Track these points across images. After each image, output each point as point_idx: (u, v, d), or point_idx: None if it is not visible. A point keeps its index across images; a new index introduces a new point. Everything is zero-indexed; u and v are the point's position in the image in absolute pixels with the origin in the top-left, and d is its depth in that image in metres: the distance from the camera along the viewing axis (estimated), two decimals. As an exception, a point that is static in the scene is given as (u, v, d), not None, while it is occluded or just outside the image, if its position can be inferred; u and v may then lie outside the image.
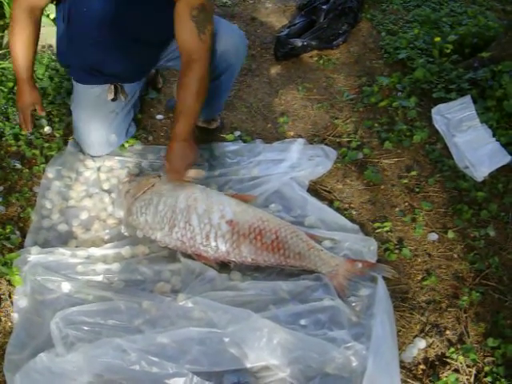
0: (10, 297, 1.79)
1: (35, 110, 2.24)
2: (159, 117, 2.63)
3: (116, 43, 2.06)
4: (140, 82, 2.37)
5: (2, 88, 2.61)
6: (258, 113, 2.72)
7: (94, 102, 2.22)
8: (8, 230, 1.98)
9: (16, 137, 2.38)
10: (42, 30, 3.15)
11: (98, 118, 2.23)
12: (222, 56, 2.14)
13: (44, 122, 2.46)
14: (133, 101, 2.36)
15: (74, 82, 2.27)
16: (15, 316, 1.73)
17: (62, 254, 1.86)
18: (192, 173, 2.05)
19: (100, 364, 1.51)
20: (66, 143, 2.36)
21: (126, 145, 2.38)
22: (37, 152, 2.32)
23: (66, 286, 1.77)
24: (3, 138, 2.37)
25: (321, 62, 3.11)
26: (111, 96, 2.20)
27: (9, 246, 1.93)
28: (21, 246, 1.95)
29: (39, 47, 3.03)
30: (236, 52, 2.19)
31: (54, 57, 2.91)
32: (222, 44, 2.10)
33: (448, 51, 2.91)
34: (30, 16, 2.04)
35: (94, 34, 2.05)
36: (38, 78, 2.69)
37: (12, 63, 2.21)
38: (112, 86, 2.20)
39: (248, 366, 1.57)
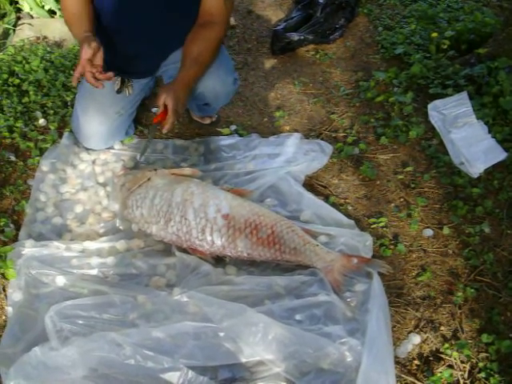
0: (4, 290, 1.78)
1: None
2: (154, 110, 2.60)
3: (128, 38, 2.07)
4: (145, 87, 2.36)
5: (-4, 80, 2.59)
6: (254, 107, 2.71)
7: (100, 96, 2.19)
8: (2, 223, 1.97)
9: (10, 129, 2.36)
10: (37, 21, 3.17)
11: (100, 114, 2.21)
12: (201, 94, 2.17)
13: (39, 114, 2.45)
14: (136, 104, 2.36)
15: None
16: (9, 310, 1.72)
17: (57, 248, 1.86)
18: (187, 171, 2.05)
19: (95, 358, 1.51)
20: (60, 136, 2.35)
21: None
22: (31, 144, 2.31)
23: (60, 280, 1.77)
24: (-3, 130, 2.35)
25: (317, 56, 3.10)
26: (117, 87, 2.18)
27: (3, 239, 1.92)
28: (15, 239, 1.94)
29: (34, 38, 3.02)
30: (215, 97, 2.23)
31: (49, 48, 2.89)
32: (203, 84, 2.11)
33: (445, 47, 2.91)
34: None
35: (112, 27, 2.06)
36: (33, 70, 2.67)
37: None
38: (119, 78, 2.18)
39: (243, 360, 1.57)
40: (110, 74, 1.86)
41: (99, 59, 1.85)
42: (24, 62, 2.73)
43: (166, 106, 1.96)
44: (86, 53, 1.80)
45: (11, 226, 1.99)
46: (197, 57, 2.00)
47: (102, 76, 1.85)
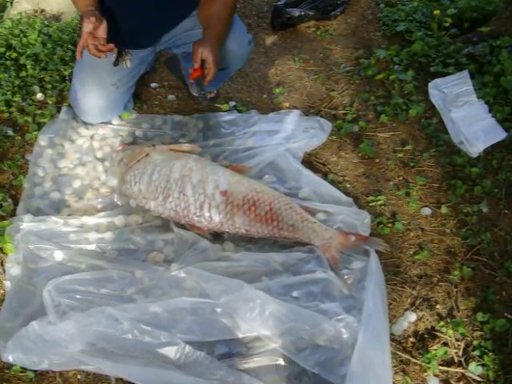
0: (2, 265, 1.79)
1: None
2: (153, 85, 2.60)
3: (129, 7, 2.05)
4: (144, 61, 2.33)
5: (-7, 54, 2.57)
6: (253, 83, 2.69)
7: (97, 69, 2.17)
8: (0, 198, 1.97)
9: (8, 103, 2.34)
10: (35, -7, 3.12)
11: (98, 88, 2.20)
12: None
13: (36, 88, 2.43)
14: (135, 78, 2.34)
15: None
16: (7, 284, 1.73)
17: (55, 223, 1.86)
18: (186, 147, 2.04)
19: (92, 333, 1.52)
20: (58, 110, 2.33)
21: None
22: (29, 119, 2.29)
23: (58, 255, 1.77)
24: (-5, 105, 2.33)
25: (318, 32, 3.07)
26: (113, 59, 2.16)
27: (1, 213, 1.92)
28: (13, 213, 1.93)
29: (31, 12, 2.98)
30: (233, 59, 2.18)
31: (46, 22, 2.86)
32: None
33: (447, 25, 2.88)
34: None
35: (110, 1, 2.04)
36: (31, 44, 2.64)
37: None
38: (116, 50, 2.16)
39: (240, 336, 1.58)
40: (111, 45, 1.89)
41: (102, 32, 1.86)
42: (21, 35, 2.70)
43: (201, 61, 1.93)
44: (87, 27, 1.83)
45: (9, 200, 1.99)
46: (218, 15, 2.00)
47: (104, 48, 1.88)
